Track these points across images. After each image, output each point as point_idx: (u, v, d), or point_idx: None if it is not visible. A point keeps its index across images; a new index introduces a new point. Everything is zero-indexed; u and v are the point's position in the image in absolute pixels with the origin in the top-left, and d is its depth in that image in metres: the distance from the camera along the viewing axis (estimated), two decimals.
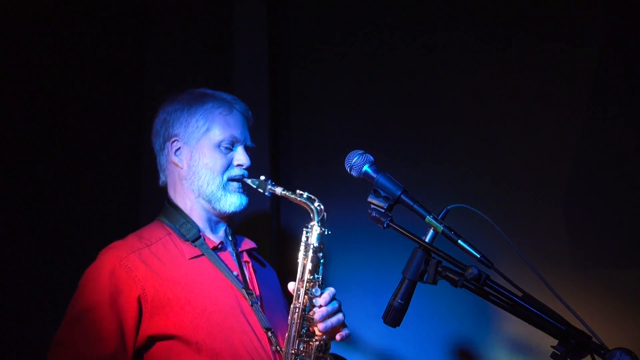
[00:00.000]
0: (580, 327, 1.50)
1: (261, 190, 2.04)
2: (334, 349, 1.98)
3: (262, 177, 2.05)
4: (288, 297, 2.05)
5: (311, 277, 1.94)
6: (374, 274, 2.86)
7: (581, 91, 2.81)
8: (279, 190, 2.02)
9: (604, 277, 2.69)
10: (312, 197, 2.01)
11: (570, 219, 2.77)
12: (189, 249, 2.00)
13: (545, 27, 2.88)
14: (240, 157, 2.08)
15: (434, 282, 1.63)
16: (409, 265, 1.64)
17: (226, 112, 2.08)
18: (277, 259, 2.90)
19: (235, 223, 2.51)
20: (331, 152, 2.86)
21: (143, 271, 1.88)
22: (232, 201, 2.05)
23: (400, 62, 3.04)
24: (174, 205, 2.08)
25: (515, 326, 2.61)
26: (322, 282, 1.96)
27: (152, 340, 1.87)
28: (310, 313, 1.91)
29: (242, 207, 2.08)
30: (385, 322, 1.66)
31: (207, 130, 2.05)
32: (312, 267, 1.94)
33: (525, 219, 2.76)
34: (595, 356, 1.46)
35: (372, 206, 1.71)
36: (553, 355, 1.50)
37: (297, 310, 1.91)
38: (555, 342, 1.50)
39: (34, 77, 2.39)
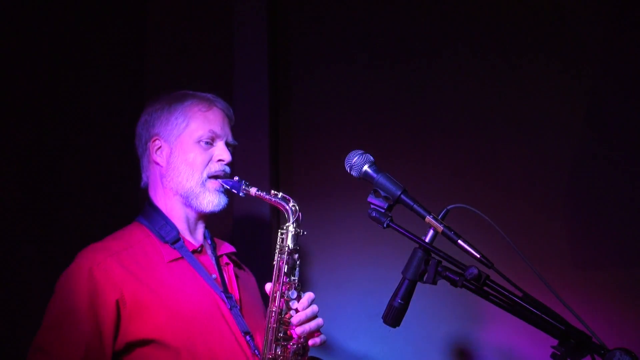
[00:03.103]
0: (581, 327, 1.50)
1: (235, 192, 2.02)
2: (336, 350, 1.98)
3: (236, 178, 2.04)
4: (266, 300, 2.04)
5: (287, 279, 1.93)
6: (374, 274, 2.86)
7: (581, 91, 2.81)
8: (253, 190, 1.99)
9: (604, 277, 2.69)
10: (287, 197, 1.99)
11: (570, 219, 2.77)
12: (168, 252, 1.97)
13: (546, 27, 2.88)
14: (221, 152, 2.06)
15: (434, 282, 1.63)
16: (409, 265, 1.65)
17: (205, 109, 2.07)
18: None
19: (236, 227, 2.51)
20: (331, 152, 2.87)
21: (121, 274, 1.84)
22: (211, 200, 2.02)
23: (400, 62, 3.04)
24: (154, 206, 2.05)
25: (515, 326, 2.61)
26: (298, 284, 1.94)
27: (131, 346, 1.83)
28: (287, 316, 1.89)
29: (221, 208, 2.05)
30: (385, 322, 1.66)
31: (187, 126, 2.04)
32: (288, 269, 1.93)
33: (525, 219, 2.76)
34: (595, 356, 1.46)
35: (372, 206, 1.71)
36: (553, 355, 1.49)
37: (273, 314, 1.89)
38: (555, 342, 1.50)
39: (33, 80, 2.39)
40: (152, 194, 2.08)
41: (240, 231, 2.57)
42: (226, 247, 2.17)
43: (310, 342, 1.89)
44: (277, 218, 2.98)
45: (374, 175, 1.72)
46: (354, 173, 1.75)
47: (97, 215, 2.64)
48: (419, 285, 1.65)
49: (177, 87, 2.19)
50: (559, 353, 1.49)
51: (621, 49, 2.79)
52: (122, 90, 2.92)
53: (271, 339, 1.88)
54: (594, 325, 1.51)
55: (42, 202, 2.39)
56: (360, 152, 1.76)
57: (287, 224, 1.97)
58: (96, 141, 2.70)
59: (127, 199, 2.90)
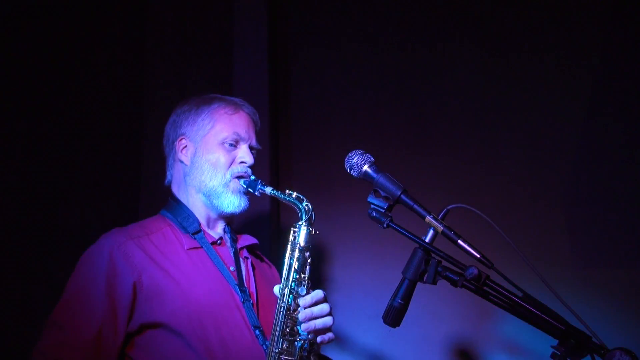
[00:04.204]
0: (581, 327, 1.50)
1: (251, 190, 2.06)
2: (336, 350, 1.97)
3: (252, 177, 2.08)
4: None
5: (297, 276, 1.93)
6: (374, 274, 2.86)
7: (581, 91, 2.81)
8: (268, 190, 2.04)
9: (604, 277, 2.69)
10: (301, 196, 2.01)
11: (570, 219, 2.77)
12: (188, 241, 2.03)
13: (547, 25, 2.88)
14: (244, 154, 2.10)
15: (434, 282, 1.63)
16: (409, 265, 1.65)
17: (232, 112, 2.13)
18: (275, 258, 2.89)
19: (236, 222, 2.52)
20: (331, 152, 2.87)
21: (140, 258, 1.90)
22: (232, 201, 2.07)
23: (400, 62, 3.04)
24: (177, 200, 2.12)
25: (515, 326, 2.61)
26: (308, 281, 1.95)
27: (144, 327, 1.87)
28: (296, 312, 1.89)
29: (242, 210, 2.09)
30: (385, 322, 1.66)
31: (212, 127, 2.10)
32: (299, 266, 1.94)
33: (525, 219, 2.76)
34: (595, 356, 1.46)
35: (372, 206, 1.71)
36: (553, 355, 1.49)
37: (281, 310, 1.90)
38: (555, 342, 1.50)
39: (33, 80, 2.39)
40: (175, 190, 2.15)
41: (240, 224, 2.57)
42: (247, 240, 2.20)
43: (319, 339, 1.90)
44: (277, 212, 2.99)
45: (374, 175, 1.72)
46: (354, 173, 1.75)
47: (97, 214, 2.64)
48: (419, 285, 1.65)
49: (177, 87, 2.21)
50: (559, 353, 1.48)
51: (622, 47, 2.79)
52: (122, 90, 2.91)
53: (278, 334, 1.88)
54: (594, 325, 1.51)
55: (42, 202, 2.39)
56: (360, 152, 1.76)
57: (299, 222, 1.98)
58: (96, 141, 2.70)
59: (128, 199, 2.90)
